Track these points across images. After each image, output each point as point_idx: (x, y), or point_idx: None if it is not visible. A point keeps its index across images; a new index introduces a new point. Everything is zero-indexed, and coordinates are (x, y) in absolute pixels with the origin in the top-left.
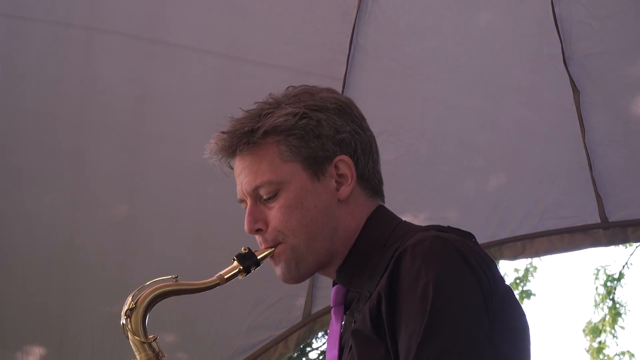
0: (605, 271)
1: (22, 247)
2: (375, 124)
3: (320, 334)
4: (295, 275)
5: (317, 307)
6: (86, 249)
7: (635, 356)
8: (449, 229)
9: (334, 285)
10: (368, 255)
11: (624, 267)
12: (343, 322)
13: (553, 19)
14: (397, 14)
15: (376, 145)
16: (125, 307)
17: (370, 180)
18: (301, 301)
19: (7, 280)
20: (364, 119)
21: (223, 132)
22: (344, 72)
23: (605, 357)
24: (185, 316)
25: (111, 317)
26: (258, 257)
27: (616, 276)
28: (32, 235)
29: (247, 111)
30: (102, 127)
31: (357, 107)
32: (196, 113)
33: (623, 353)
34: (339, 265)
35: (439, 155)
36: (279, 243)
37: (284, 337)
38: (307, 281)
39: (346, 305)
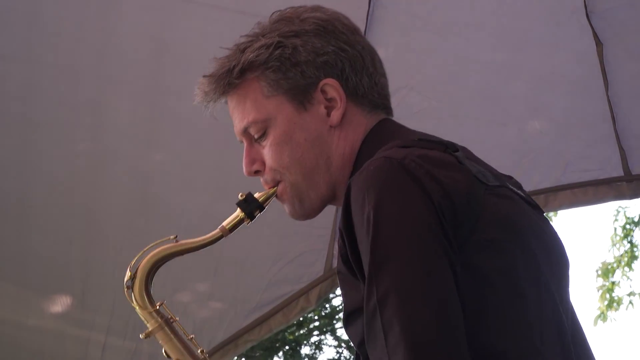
0: (625, 213)
1: (42, 199)
2: (395, 79)
3: None
4: (301, 213)
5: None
6: (106, 200)
7: None
8: (416, 142)
9: None
10: None
11: None
12: None
13: None
14: None
15: (372, 57)
16: (125, 278)
17: (366, 96)
18: (322, 255)
19: (29, 231)
20: (353, 32)
21: (205, 76)
22: (363, 29)
23: (616, 297)
24: (207, 270)
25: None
26: (260, 200)
27: (636, 219)
28: (51, 187)
29: (231, 48)
30: (120, 80)
31: (343, 22)
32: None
33: (633, 294)
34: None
35: (460, 109)
36: (279, 182)
37: (305, 292)
38: (328, 235)
39: None
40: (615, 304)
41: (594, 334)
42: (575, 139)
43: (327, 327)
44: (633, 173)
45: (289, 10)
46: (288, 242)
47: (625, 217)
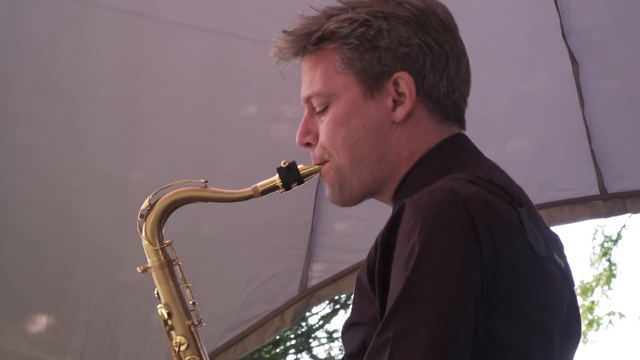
0: (603, 232)
1: (18, 218)
2: None
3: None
4: (339, 199)
5: (314, 282)
6: (82, 219)
7: (625, 317)
8: (485, 182)
9: None
10: (420, 189)
11: (622, 228)
12: None
13: None
14: None
15: (459, 62)
16: (142, 207)
17: (440, 102)
18: (297, 275)
19: (4, 249)
20: (446, 29)
21: (284, 32)
22: None
23: (595, 317)
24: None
25: (108, 284)
26: (301, 173)
27: (614, 237)
28: (27, 206)
29: (322, 10)
30: (96, 100)
31: (440, 16)
32: (190, 88)
33: (613, 313)
34: (392, 195)
35: None
36: (327, 161)
37: (280, 311)
38: (303, 255)
39: None
40: (595, 324)
41: (575, 356)
42: (551, 158)
43: (303, 345)
44: (609, 192)
45: None
46: (263, 262)
47: (604, 235)
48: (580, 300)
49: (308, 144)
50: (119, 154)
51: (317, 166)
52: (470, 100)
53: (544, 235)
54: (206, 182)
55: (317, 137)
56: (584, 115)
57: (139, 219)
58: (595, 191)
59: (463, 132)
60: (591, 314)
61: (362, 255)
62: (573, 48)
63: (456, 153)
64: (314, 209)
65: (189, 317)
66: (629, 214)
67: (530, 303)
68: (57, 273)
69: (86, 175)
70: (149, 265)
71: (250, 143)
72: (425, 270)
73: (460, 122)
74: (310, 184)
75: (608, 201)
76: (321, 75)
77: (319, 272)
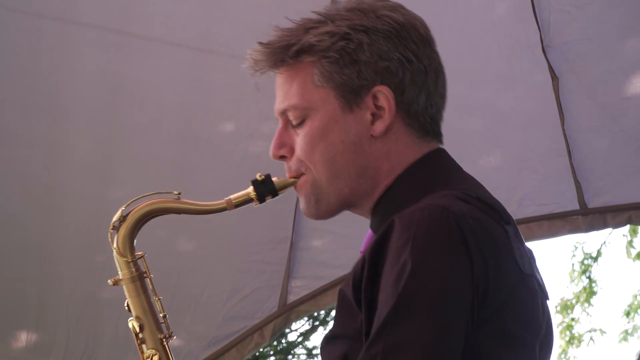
0: (582, 249)
1: None
2: None
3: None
4: (314, 212)
5: (293, 297)
6: (61, 237)
7: (606, 333)
8: (475, 200)
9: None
10: (402, 203)
11: (602, 245)
12: None
13: (531, 6)
14: None
15: (436, 76)
16: (114, 219)
17: (418, 117)
18: (277, 291)
19: None
20: (425, 44)
21: (260, 43)
22: None
23: (576, 334)
24: (164, 303)
25: (87, 302)
26: (276, 186)
27: (594, 255)
28: (5, 224)
29: (298, 22)
30: (75, 118)
31: (419, 30)
32: (168, 105)
33: (594, 330)
34: (371, 209)
35: None
36: (302, 174)
37: (259, 327)
38: (283, 271)
39: None
40: (576, 341)
41: None
42: (531, 173)
43: None
44: (589, 206)
45: (363, 2)
46: (242, 278)
47: (583, 252)
48: (560, 318)
49: (282, 157)
50: (98, 171)
51: (292, 179)
52: (450, 114)
53: (526, 252)
54: (179, 193)
55: (292, 150)
56: (564, 130)
57: (111, 230)
58: (575, 206)
59: (442, 146)
60: (570, 331)
61: (341, 271)
62: (553, 62)
63: (437, 168)
64: (294, 224)
65: (160, 330)
66: (609, 230)
67: (515, 320)
68: (36, 291)
69: (65, 192)
70: (120, 278)
71: (229, 159)
72: (417, 287)
73: (439, 136)
74: (289, 200)
75: (588, 216)
76: (298, 88)
77: (298, 288)
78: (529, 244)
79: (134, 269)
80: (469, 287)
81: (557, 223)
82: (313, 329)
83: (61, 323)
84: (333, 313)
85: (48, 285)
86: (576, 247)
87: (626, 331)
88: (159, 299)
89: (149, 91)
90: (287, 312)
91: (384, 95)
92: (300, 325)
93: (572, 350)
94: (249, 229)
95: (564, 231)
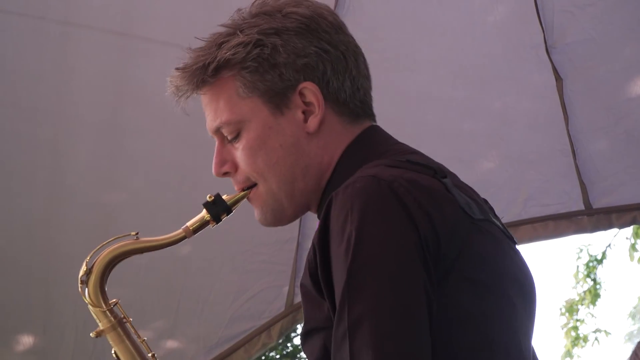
0: (588, 251)
1: (1, 240)
2: None
3: None
4: (272, 220)
5: (300, 297)
6: (65, 240)
7: (611, 334)
8: (404, 164)
9: None
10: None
11: (607, 248)
12: None
13: (535, 7)
14: (374, 5)
15: (356, 58)
16: (80, 273)
17: (348, 103)
18: (284, 292)
19: None
20: (337, 30)
21: (177, 69)
22: None
23: (581, 335)
24: (168, 307)
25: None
26: (228, 203)
27: (599, 257)
28: (10, 227)
29: (206, 39)
30: (79, 121)
31: (327, 19)
32: (171, 107)
33: (599, 331)
34: (317, 204)
35: (419, 146)
36: (254, 184)
37: (266, 327)
38: (289, 271)
39: None
40: (581, 342)
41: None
42: (536, 173)
43: None
44: (594, 207)
45: (269, 2)
46: (249, 278)
47: (588, 254)
48: (565, 319)
49: (226, 173)
50: (103, 173)
51: (243, 192)
52: (455, 115)
53: (475, 200)
54: (137, 233)
55: (234, 165)
56: (568, 131)
57: (80, 285)
58: (580, 206)
59: (375, 124)
60: (576, 332)
61: None
62: (557, 63)
63: (371, 144)
64: (300, 225)
65: None
66: (614, 232)
67: (479, 266)
68: (42, 294)
69: (70, 194)
70: (101, 329)
71: None
72: (364, 257)
73: (371, 116)
74: None
75: (593, 216)
76: (226, 104)
77: None
78: (534, 245)
79: (112, 317)
80: (418, 246)
81: (562, 223)
82: None
83: (68, 327)
84: None
85: (54, 288)
86: (581, 250)
87: (631, 333)
88: (144, 340)
89: (153, 93)
90: (294, 312)
91: (310, 91)
92: None
93: (577, 351)
94: (255, 229)
95: (569, 231)
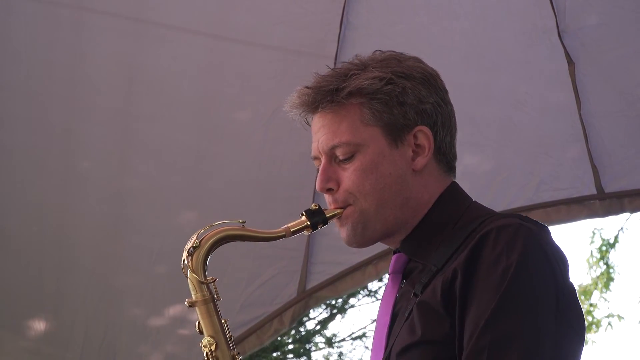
0: (600, 235)
1: (14, 224)
2: None
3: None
4: (360, 240)
5: (312, 283)
6: (78, 225)
7: (624, 318)
8: (527, 219)
9: (394, 253)
10: (439, 229)
11: (619, 231)
12: (399, 290)
13: None
14: None
15: (455, 120)
16: (189, 245)
17: (446, 154)
18: (296, 277)
19: (0, 258)
20: (447, 92)
21: (307, 87)
22: (335, 51)
23: (594, 320)
24: (179, 292)
25: (105, 291)
26: (327, 215)
27: (611, 241)
28: (23, 213)
29: (333, 69)
30: (91, 106)
31: (441, 80)
32: (185, 93)
33: (612, 315)
34: (406, 235)
35: None
36: (349, 205)
37: (278, 313)
38: (301, 257)
39: (405, 274)
40: (594, 327)
41: None
42: (548, 158)
43: (303, 350)
44: (606, 191)
45: (391, 53)
46: (261, 264)
47: (601, 238)
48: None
49: (329, 190)
50: (115, 159)
51: (339, 210)
52: (467, 100)
53: None
54: (244, 222)
55: (337, 184)
56: (580, 115)
57: (186, 256)
58: (593, 191)
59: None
60: (590, 316)
61: (359, 257)
62: (569, 48)
63: (460, 200)
64: None
65: (230, 348)
66: (627, 216)
67: (575, 318)
68: (54, 280)
69: (81, 181)
70: (195, 300)
71: (245, 146)
72: (518, 288)
73: (454, 172)
74: (307, 186)
75: (605, 201)
76: (349, 127)
77: (318, 274)
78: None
79: (206, 292)
80: (554, 293)
81: (574, 208)
82: (331, 317)
83: (80, 312)
84: (351, 301)
85: (66, 274)
86: (594, 234)
87: None
88: (226, 321)
89: (165, 78)
90: (307, 298)
91: (424, 135)
92: (319, 313)
93: (590, 336)
94: (267, 215)
95: (582, 216)
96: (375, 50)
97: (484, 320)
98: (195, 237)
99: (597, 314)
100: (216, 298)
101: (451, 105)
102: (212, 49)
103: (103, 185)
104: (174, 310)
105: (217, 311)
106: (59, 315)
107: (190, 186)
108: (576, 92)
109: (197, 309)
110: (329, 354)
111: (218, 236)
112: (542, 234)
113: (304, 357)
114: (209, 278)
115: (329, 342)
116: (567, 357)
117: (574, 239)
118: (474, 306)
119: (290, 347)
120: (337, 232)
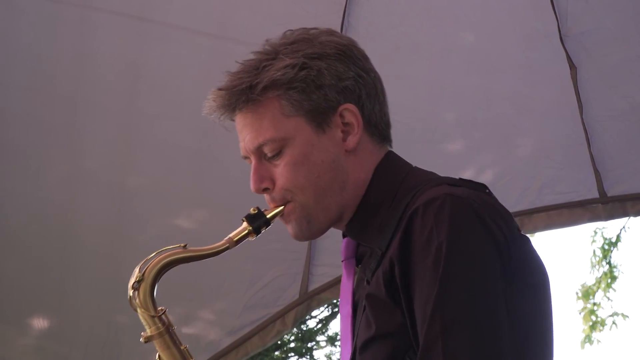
0: (602, 234)
1: (19, 224)
2: None
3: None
4: (307, 234)
5: (314, 285)
6: (82, 224)
7: (629, 317)
8: (461, 182)
9: (343, 237)
10: (377, 208)
11: (621, 230)
12: (355, 277)
13: None
14: None
15: (381, 85)
16: (133, 280)
17: (377, 125)
18: (298, 279)
19: (4, 256)
20: (366, 59)
21: (220, 89)
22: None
23: (598, 319)
24: (183, 295)
25: (108, 290)
26: (267, 217)
27: (613, 240)
28: (28, 211)
29: (243, 63)
30: (96, 105)
31: (358, 48)
32: (188, 92)
33: (617, 314)
34: (349, 219)
35: (434, 134)
36: (288, 201)
37: (281, 315)
38: (304, 258)
39: (357, 258)
40: (599, 326)
41: (582, 358)
42: (550, 161)
43: (305, 348)
44: (608, 195)
45: (302, 32)
46: (263, 266)
47: (603, 237)
48: (582, 303)
49: (265, 190)
50: (118, 158)
51: (280, 207)
52: (469, 104)
53: None
54: (185, 245)
55: (272, 182)
56: (582, 119)
57: (132, 291)
58: (595, 194)
59: (390, 148)
60: (595, 315)
61: None
62: (571, 52)
63: (395, 172)
64: None
65: None
66: (629, 217)
67: (533, 272)
68: (57, 278)
69: (85, 179)
70: (149, 334)
71: None
72: (455, 267)
73: (390, 140)
74: None
75: (607, 204)
76: (270, 123)
77: (320, 276)
78: (548, 233)
79: (160, 324)
80: (497, 259)
81: (577, 211)
82: (333, 315)
83: (83, 311)
84: None
85: (69, 273)
86: (596, 233)
87: None
88: (186, 347)
89: (169, 77)
90: (309, 300)
91: (350, 112)
92: (320, 312)
93: (595, 334)
94: None
95: (584, 219)
96: (286, 31)
97: (430, 308)
98: (137, 270)
99: (601, 313)
100: (171, 328)
101: (374, 71)
102: (215, 49)
103: (107, 184)
104: (178, 308)
105: (174, 340)
106: (63, 313)
107: (195, 185)
108: (578, 96)
109: (154, 342)
110: (331, 352)
111: (160, 265)
112: (475, 195)
113: (306, 356)
114: (160, 309)
115: (331, 340)
116: (529, 316)
117: (575, 239)
118: (417, 293)
119: (292, 345)
120: (338, 233)
